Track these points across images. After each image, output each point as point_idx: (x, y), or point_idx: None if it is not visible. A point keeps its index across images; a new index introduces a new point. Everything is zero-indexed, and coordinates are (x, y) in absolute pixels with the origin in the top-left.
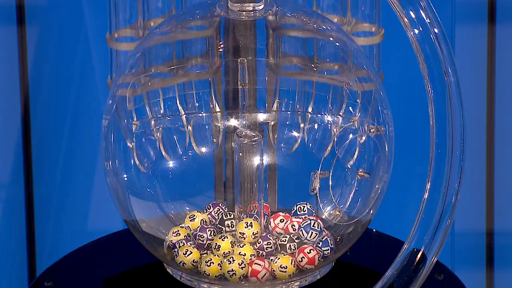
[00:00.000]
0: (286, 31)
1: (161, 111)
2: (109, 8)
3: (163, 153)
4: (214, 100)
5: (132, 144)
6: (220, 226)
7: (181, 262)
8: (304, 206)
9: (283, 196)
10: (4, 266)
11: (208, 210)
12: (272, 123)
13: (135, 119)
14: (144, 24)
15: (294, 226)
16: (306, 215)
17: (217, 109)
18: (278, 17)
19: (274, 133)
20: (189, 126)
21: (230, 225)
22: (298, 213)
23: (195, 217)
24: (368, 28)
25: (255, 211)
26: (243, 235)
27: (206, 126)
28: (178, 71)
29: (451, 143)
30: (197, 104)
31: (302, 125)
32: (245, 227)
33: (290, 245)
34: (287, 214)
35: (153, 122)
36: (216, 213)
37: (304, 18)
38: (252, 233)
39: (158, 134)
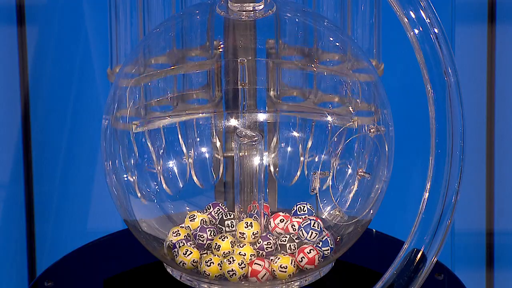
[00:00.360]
0: (286, 63)
1: (163, 145)
2: (111, 44)
3: (164, 186)
4: (215, 134)
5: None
6: (220, 226)
7: (181, 262)
8: (304, 206)
9: (283, 196)
10: (4, 266)
11: (208, 210)
12: (273, 156)
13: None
14: (145, 61)
15: (294, 226)
16: (306, 215)
17: (218, 143)
18: (279, 47)
19: (275, 167)
20: (190, 159)
21: (230, 225)
22: (298, 213)
23: (195, 217)
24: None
25: (255, 211)
26: (243, 235)
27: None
28: (178, 105)
29: (451, 143)
30: (198, 139)
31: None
32: (245, 227)
33: (290, 245)
34: (287, 214)
35: (154, 157)
36: (216, 213)
37: (305, 49)
38: (252, 233)
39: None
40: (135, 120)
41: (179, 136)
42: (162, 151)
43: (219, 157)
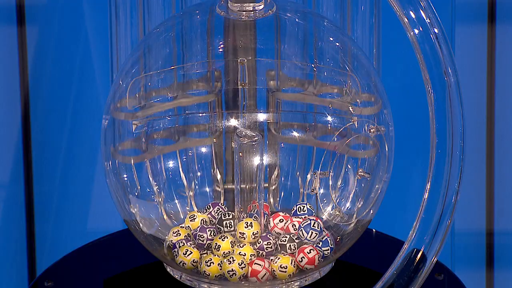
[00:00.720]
0: (285, 95)
1: (164, 181)
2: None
3: (165, 217)
4: (216, 167)
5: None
6: (219, 226)
7: (181, 262)
8: (304, 206)
9: (284, 196)
10: (4, 266)
11: (208, 210)
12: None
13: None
14: (146, 95)
15: (295, 226)
16: (306, 215)
17: (218, 176)
18: (279, 80)
19: (276, 197)
20: (190, 192)
21: (228, 225)
22: (298, 213)
23: (195, 217)
24: (367, 98)
25: (255, 211)
26: (243, 235)
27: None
28: (179, 138)
29: (451, 143)
30: (199, 173)
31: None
32: (245, 227)
33: (290, 245)
34: (287, 214)
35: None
36: (216, 212)
37: (305, 83)
38: (252, 233)
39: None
40: (135, 119)
41: (180, 170)
42: (163, 182)
43: (220, 189)
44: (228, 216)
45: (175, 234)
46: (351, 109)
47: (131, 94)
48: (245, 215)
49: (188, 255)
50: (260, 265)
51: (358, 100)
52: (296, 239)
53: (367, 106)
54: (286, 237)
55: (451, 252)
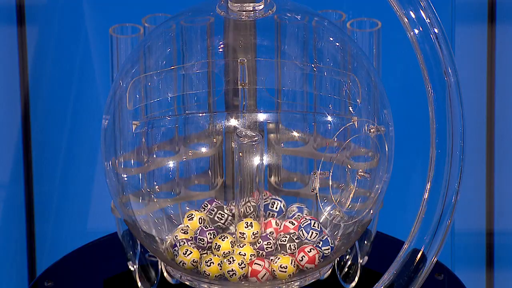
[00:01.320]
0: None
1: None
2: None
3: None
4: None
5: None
6: (217, 220)
7: (181, 262)
8: (276, 203)
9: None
10: (4, 266)
11: (205, 208)
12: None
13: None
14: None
15: (293, 222)
16: (276, 213)
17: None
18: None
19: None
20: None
21: (223, 224)
22: (270, 208)
23: (193, 216)
24: (364, 152)
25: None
26: (243, 235)
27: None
28: (180, 192)
29: (451, 143)
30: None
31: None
32: (245, 227)
33: (290, 245)
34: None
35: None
36: (213, 210)
37: (305, 136)
38: (252, 233)
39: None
40: (135, 120)
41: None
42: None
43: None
44: (223, 215)
45: (176, 236)
46: (351, 109)
47: (131, 94)
48: (246, 208)
49: (188, 254)
50: (260, 265)
51: (358, 100)
52: (296, 239)
53: (367, 106)
54: (286, 237)
55: (451, 252)
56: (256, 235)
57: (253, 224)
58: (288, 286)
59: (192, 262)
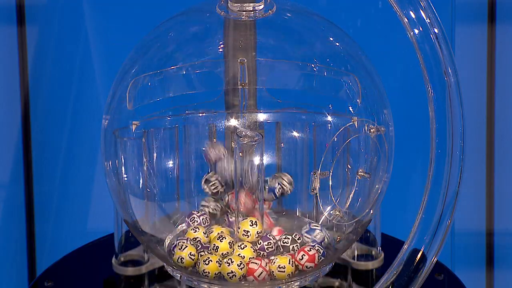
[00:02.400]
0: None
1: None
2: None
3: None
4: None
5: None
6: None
7: (179, 258)
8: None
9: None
10: (4, 266)
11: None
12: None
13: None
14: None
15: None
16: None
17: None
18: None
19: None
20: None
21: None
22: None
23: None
24: (367, 251)
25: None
26: (247, 233)
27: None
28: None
29: (451, 143)
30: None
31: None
32: (250, 225)
33: (293, 246)
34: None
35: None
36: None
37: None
38: (256, 231)
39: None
40: (135, 120)
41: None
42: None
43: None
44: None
45: (176, 237)
46: (351, 109)
47: (131, 94)
48: (245, 203)
49: (184, 248)
50: (256, 263)
51: (358, 100)
52: (298, 239)
53: (367, 106)
54: (289, 238)
55: (451, 252)
56: (260, 234)
57: (257, 223)
58: (288, 286)
59: (189, 255)
